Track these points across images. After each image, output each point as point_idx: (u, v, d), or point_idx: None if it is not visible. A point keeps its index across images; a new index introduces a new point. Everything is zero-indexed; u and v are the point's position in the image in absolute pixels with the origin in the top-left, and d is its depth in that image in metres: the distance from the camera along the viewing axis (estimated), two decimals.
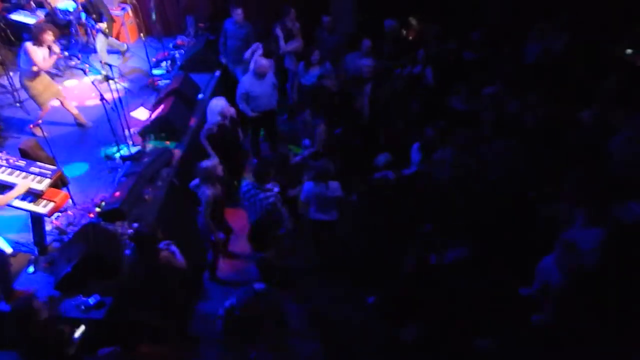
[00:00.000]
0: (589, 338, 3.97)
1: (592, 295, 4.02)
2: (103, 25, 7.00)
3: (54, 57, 5.66)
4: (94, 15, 6.96)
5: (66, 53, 7.54)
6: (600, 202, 4.32)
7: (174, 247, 4.04)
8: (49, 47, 5.57)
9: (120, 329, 3.98)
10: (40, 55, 5.49)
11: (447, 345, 4.41)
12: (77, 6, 7.12)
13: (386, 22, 7.10)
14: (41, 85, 5.75)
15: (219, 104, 5.43)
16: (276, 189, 4.68)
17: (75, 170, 5.41)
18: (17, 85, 6.49)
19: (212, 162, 4.63)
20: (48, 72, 5.99)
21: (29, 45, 5.46)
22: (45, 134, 4.78)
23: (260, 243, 4.42)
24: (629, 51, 6.71)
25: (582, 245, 4.09)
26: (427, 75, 6.66)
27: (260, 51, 6.40)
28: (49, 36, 5.48)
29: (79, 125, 6.19)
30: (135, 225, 4.52)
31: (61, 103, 6.03)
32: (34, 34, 5.51)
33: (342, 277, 5.18)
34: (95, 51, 7.17)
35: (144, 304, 4.01)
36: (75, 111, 6.13)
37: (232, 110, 5.57)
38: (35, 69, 5.55)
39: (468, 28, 7.09)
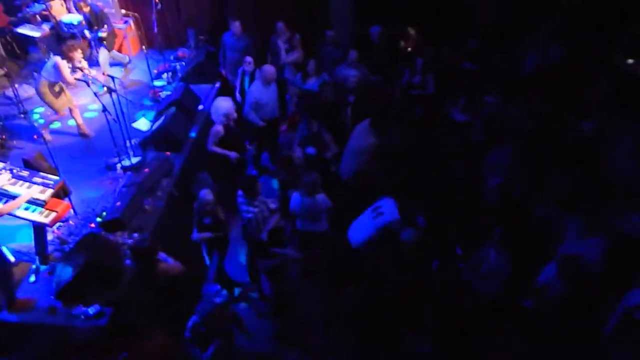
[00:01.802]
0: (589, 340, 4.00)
1: (595, 303, 4.06)
2: (104, 35, 7.13)
3: (79, 72, 5.90)
4: (96, 27, 7.09)
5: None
6: (599, 209, 4.35)
7: (162, 254, 4.14)
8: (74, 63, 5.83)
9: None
10: (68, 70, 5.76)
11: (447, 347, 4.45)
12: (81, 20, 7.25)
13: (372, 30, 7.12)
14: (55, 93, 5.93)
15: (224, 105, 5.39)
16: (273, 205, 4.75)
17: None
18: (22, 96, 6.63)
19: (205, 195, 4.62)
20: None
21: (59, 60, 5.70)
22: (49, 137, 4.85)
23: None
24: (630, 61, 6.73)
25: (584, 257, 4.08)
26: (428, 83, 6.71)
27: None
28: (78, 54, 5.77)
29: (82, 135, 6.30)
30: (135, 235, 4.59)
31: (70, 111, 6.17)
32: (64, 51, 5.75)
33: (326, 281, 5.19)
34: (98, 64, 7.29)
35: (143, 312, 4.07)
36: (80, 121, 6.25)
37: (235, 115, 5.57)
38: (61, 83, 5.81)
39: (465, 37, 7.18)
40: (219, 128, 5.45)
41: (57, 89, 5.93)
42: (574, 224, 4.38)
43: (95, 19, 7.10)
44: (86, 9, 7.07)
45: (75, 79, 5.76)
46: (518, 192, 5.17)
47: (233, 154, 5.54)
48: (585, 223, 4.24)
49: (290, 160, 5.61)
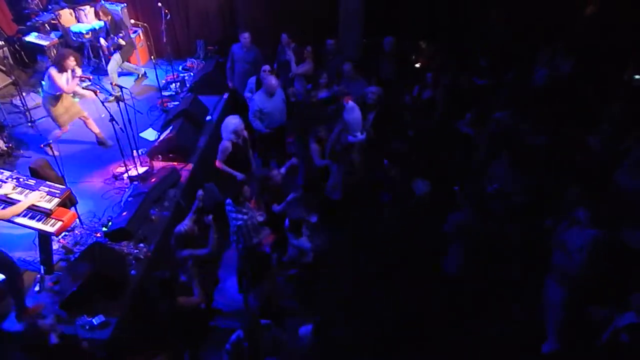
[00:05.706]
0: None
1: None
2: (122, 42, 7.09)
3: (77, 79, 5.76)
4: (112, 34, 7.09)
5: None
6: (602, 206, 4.30)
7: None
8: (72, 71, 5.68)
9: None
10: (63, 79, 5.61)
11: None
12: (100, 27, 7.25)
13: (385, 39, 7.07)
14: (62, 107, 5.82)
15: (233, 122, 5.36)
16: (260, 218, 4.67)
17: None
18: (30, 105, 6.63)
19: (186, 225, 4.36)
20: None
21: (52, 71, 5.56)
22: (55, 152, 4.82)
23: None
24: (638, 77, 6.68)
25: (569, 244, 4.11)
26: (437, 98, 6.67)
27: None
28: (71, 62, 5.60)
29: (101, 144, 6.26)
30: (141, 245, 4.55)
31: (84, 123, 6.10)
32: (57, 61, 5.63)
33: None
34: (106, 73, 7.29)
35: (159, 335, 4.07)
36: (97, 130, 6.20)
37: (245, 133, 5.53)
38: (59, 93, 5.65)
39: (476, 52, 7.16)
40: (227, 144, 5.36)
41: (64, 103, 5.82)
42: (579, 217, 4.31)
43: (114, 27, 7.08)
44: (107, 17, 6.99)
45: (84, 88, 5.69)
46: (520, 200, 5.12)
47: (240, 176, 5.44)
48: (587, 216, 4.13)
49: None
